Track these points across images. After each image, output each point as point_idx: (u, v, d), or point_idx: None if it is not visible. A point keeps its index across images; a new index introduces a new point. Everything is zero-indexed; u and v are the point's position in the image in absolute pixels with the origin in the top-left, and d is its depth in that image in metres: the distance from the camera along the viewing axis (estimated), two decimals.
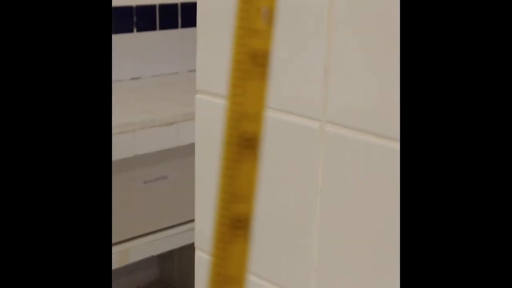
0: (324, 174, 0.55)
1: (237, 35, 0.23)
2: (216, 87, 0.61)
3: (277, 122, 0.57)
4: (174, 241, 1.80)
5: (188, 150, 1.69)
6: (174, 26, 2.14)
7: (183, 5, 2.15)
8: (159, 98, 1.89)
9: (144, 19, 2.07)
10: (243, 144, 0.23)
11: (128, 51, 2.05)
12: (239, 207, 0.24)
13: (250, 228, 0.24)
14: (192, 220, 1.81)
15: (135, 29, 2.06)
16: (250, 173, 0.24)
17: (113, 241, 1.69)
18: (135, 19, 2.05)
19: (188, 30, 2.16)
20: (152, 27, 2.10)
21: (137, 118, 1.69)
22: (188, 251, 1.74)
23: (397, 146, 0.49)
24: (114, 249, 1.69)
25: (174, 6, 2.14)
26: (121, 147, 1.62)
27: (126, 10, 2.03)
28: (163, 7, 2.11)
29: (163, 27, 2.12)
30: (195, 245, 0.66)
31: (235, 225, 0.24)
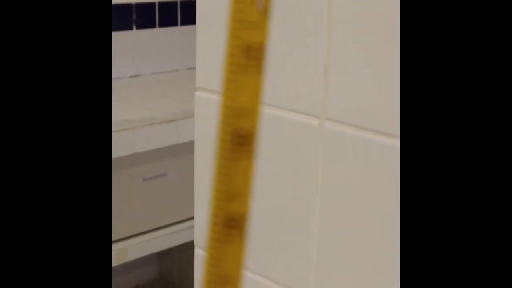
0: (323, 171, 0.54)
1: (231, 27, 0.22)
2: (216, 84, 0.61)
3: (276, 119, 0.57)
4: (174, 239, 1.80)
5: (188, 148, 1.69)
6: (173, 23, 2.14)
7: (183, 2, 2.15)
8: (159, 95, 1.88)
9: (143, 17, 2.07)
10: (237, 141, 0.23)
11: (128, 49, 2.05)
12: (233, 206, 0.23)
13: (245, 228, 0.24)
14: (192, 218, 1.81)
15: (134, 27, 2.06)
16: (245, 171, 0.23)
17: (113, 238, 1.69)
18: (134, 16, 2.05)
19: (187, 28, 2.16)
20: (151, 25, 2.09)
21: (136, 115, 1.69)
22: (187, 248, 1.73)
23: (396, 143, 0.49)
24: (113, 247, 1.69)
25: (174, 3, 2.13)
26: (121, 145, 1.61)
27: (126, 8, 2.03)
28: (162, 4, 2.11)
29: (163, 24, 2.12)
30: (195, 242, 0.66)
31: (229, 225, 0.23)
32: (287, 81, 0.56)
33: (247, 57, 0.22)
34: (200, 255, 0.66)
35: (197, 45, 0.62)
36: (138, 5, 2.05)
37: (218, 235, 0.24)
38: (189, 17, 2.16)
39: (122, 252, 1.70)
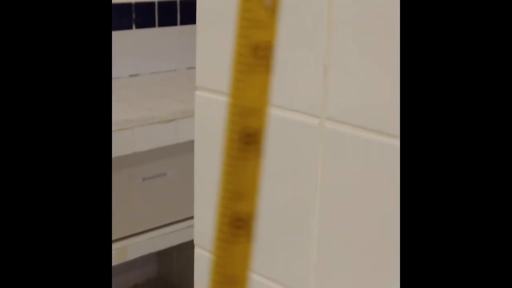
0: (323, 171, 0.54)
1: (239, 26, 0.22)
2: (216, 84, 0.61)
3: (276, 118, 0.57)
4: (173, 238, 1.80)
5: (187, 147, 1.69)
6: (173, 23, 2.14)
7: (182, 2, 2.15)
8: (158, 95, 1.88)
9: (143, 16, 2.07)
10: (245, 140, 0.23)
11: (127, 48, 2.05)
12: (240, 205, 0.23)
13: (252, 228, 0.24)
14: (191, 217, 1.81)
15: (134, 26, 2.06)
16: (252, 170, 0.23)
17: (112, 238, 1.69)
18: (134, 16, 2.05)
19: (187, 27, 2.15)
20: (151, 24, 2.09)
21: (136, 115, 1.69)
22: (186, 248, 1.73)
23: (396, 143, 0.49)
24: (113, 246, 1.69)
25: (173, 3, 2.13)
26: (120, 144, 1.61)
27: (125, 7, 2.02)
28: (162, 4, 2.10)
29: (162, 24, 2.12)
30: (195, 242, 0.66)
31: (235, 224, 0.23)
32: (287, 81, 0.56)
33: (255, 56, 0.22)
34: (200, 255, 0.66)
35: (197, 44, 0.62)
36: (137, 4, 2.05)
37: (225, 235, 0.23)
38: (189, 17, 2.16)
39: (122, 252, 1.70)
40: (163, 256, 2.14)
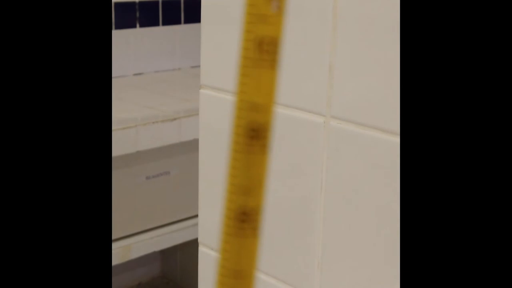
0: (328, 169, 0.54)
1: (245, 21, 0.22)
2: (220, 82, 0.61)
3: (281, 117, 0.57)
4: (176, 237, 1.80)
5: (191, 146, 1.69)
6: (177, 21, 2.14)
7: (186, 0, 2.15)
8: (162, 94, 1.88)
9: (147, 15, 2.07)
10: (250, 135, 0.23)
11: (131, 47, 2.05)
12: (246, 200, 0.23)
13: (258, 222, 0.24)
14: (194, 216, 1.81)
15: (138, 25, 2.06)
16: (258, 165, 0.23)
17: (115, 236, 1.69)
18: (138, 14, 2.05)
19: (191, 26, 2.16)
20: (155, 23, 2.09)
21: (139, 113, 1.69)
22: (190, 247, 1.74)
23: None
24: (116, 245, 1.69)
25: (177, 1, 2.13)
26: (124, 143, 1.61)
27: (129, 6, 2.03)
28: (166, 2, 2.11)
29: (166, 22, 2.12)
30: (199, 240, 0.66)
31: (240, 218, 0.23)
32: (292, 80, 0.56)
33: (260, 51, 0.22)
34: (204, 253, 0.66)
35: (202, 42, 0.62)
36: (141, 3, 2.05)
37: (230, 228, 0.24)
38: (193, 16, 2.16)
39: (125, 250, 1.70)
40: (166, 254, 2.14)
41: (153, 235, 1.76)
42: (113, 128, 1.59)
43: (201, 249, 0.66)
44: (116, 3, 1.99)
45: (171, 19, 2.13)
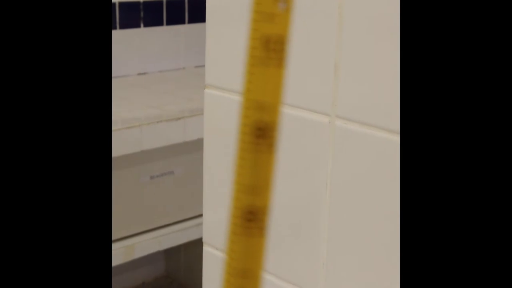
0: (333, 169, 0.54)
1: (252, 19, 0.22)
2: (225, 81, 0.61)
3: (286, 116, 0.57)
4: (180, 237, 1.80)
5: (195, 146, 1.69)
6: (181, 21, 2.14)
7: (190, 0, 2.15)
8: (166, 93, 1.88)
9: (151, 14, 2.07)
10: (256, 134, 0.23)
11: (135, 47, 2.05)
12: (251, 199, 0.23)
13: (265, 222, 0.23)
14: (198, 216, 1.81)
15: (142, 24, 2.06)
16: (264, 164, 0.23)
17: (119, 236, 1.69)
18: (142, 14, 2.05)
19: (195, 26, 2.16)
20: (159, 23, 2.09)
21: (143, 113, 1.69)
22: (194, 246, 1.73)
23: None
24: (120, 244, 1.69)
25: (181, 1, 2.13)
26: (128, 143, 1.61)
27: (133, 5, 2.03)
28: (170, 2, 2.11)
29: (170, 22, 2.12)
30: (203, 240, 0.66)
31: (247, 218, 0.23)
32: (298, 79, 0.56)
33: (267, 49, 0.22)
34: (208, 253, 0.66)
35: (207, 42, 0.62)
36: (145, 3, 2.05)
37: (237, 228, 0.23)
38: (197, 15, 2.16)
39: (129, 250, 1.71)
40: (170, 254, 2.14)
41: (157, 234, 1.76)
42: (117, 127, 1.59)
43: (206, 248, 0.66)
44: (120, 3, 1.99)
45: (176, 18, 2.13)
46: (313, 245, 0.57)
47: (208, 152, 0.64)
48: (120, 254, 1.68)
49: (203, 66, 0.63)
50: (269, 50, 0.22)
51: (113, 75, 2.00)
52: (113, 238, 1.67)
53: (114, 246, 1.67)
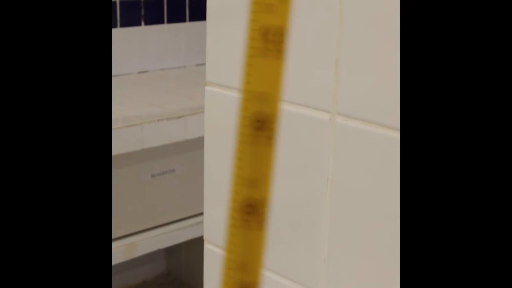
0: (334, 166, 0.54)
1: (251, 10, 0.22)
2: (226, 78, 0.61)
3: (287, 113, 0.56)
4: (182, 235, 1.80)
5: (196, 144, 1.69)
6: (182, 19, 2.14)
7: None
8: (167, 91, 1.88)
9: (152, 12, 2.07)
10: (255, 126, 0.22)
11: (136, 45, 2.05)
12: (251, 192, 0.23)
13: (264, 215, 0.23)
14: (200, 214, 1.81)
15: (143, 23, 2.06)
16: (263, 157, 0.23)
17: (120, 234, 1.69)
18: (143, 12, 2.05)
19: (196, 24, 2.15)
20: (160, 21, 2.09)
21: (144, 111, 1.69)
22: (195, 244, 1.74)
23: None
24: (121, 243, 1.69)
25: None
26: (129, 141, 1.61)
27: (134, 3, 2.03)
28: (171, 0, 2.11)
29: (171, 20, 2.12)
30: (204, 238, 0.66)
31: (246, 211, 0.23)
32: (299, 76, 0.56)
33: (265, 40, 0.22)
34: (209, 251, 0.66)
35: (208, 39, 0.62)
36: (146, 1, 2.05)
37: (236, 220, 0.23)
38: (198, 13, 2.16)
39: (130, 248, 1.71)
40: (171, 252, 2.14)
41: (158, 232, 1.76)
42: (118, 125, 1.59)
43: (207, 246, 0.66)
44: (121, 1, 1.99)
45: (176, 16, 2.13)
46: (314, 242, 0.56)
47: (209, 150, 0.64)
48: (121, 252, 1.68)
49: (204, 64, 0.63)
50: (268, 41, 0.22)
51: (114, 73, 2.00)
52: (114, 236, 1.67)
53: (115, 244, 1.67)
